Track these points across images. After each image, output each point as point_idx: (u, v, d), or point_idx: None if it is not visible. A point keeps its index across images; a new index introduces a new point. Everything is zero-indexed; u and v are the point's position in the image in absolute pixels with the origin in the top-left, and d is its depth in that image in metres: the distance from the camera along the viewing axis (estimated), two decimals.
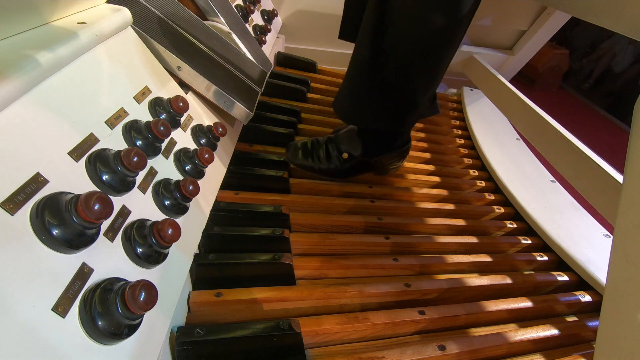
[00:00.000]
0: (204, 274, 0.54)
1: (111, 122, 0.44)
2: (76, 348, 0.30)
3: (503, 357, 0.59)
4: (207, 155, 0.55)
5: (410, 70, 0.65)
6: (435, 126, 1.26)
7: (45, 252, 0.31)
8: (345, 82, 0.73)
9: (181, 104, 0.55)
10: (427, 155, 1.08)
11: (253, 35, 1.02)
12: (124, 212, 0.41)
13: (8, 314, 0.27)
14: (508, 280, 0.72)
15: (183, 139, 0.58)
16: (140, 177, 0.45)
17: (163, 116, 0.54)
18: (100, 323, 0.32)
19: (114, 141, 0.43)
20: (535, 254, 0.83)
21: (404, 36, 0.61)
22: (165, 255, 0.43)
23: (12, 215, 0.30)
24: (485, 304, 0.65)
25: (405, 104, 0.70)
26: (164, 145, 0.51)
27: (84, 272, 0.33)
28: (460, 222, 0.85)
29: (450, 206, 0.89)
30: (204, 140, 0.62)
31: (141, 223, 0.41)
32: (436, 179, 0.99)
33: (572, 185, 0.83)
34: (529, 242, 0.86)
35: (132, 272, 0.39)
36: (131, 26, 0.56)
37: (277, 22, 1.32)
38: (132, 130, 0.46)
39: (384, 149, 0.81)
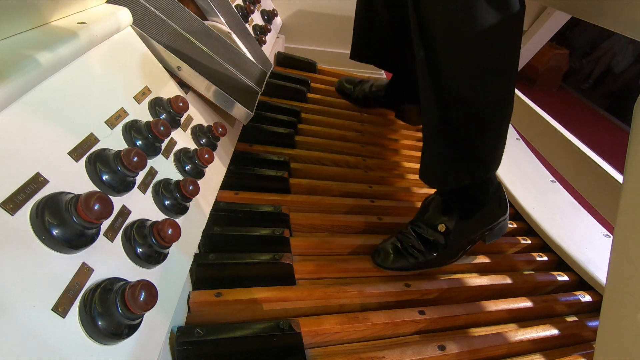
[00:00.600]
0: (204, 274, 0.54)
1: (111, 122, 0.44)
2: (76, 348, 0.30)
3: (503, 357, 0.59)
4: (207, 155, 0.55)
5: (476, 107, 0.58)
6: None
7: (45, 252, 0.31)
8: (426, 147, 0.66)
9: (181, 104, 0.55)
10: None
11: (253, 35, 1.02)
12: (124, 212, 0.41)
13: (8, 314, 0.27)
14: (508, 280, 0.72)
15: (183, 139, 0.58)
16: (140, 177, 0.45)
17: (163, 116, 0.54)
18: (100, 323, 0.32)
19: (114, 141, 0.43)
20: (535, 254, 0.83)
21: (459, 75, 0.56)
22: (165, 255, 0.43)
23: (12, 215, 0.30)
24: (485, 304, 0.65)
25: (485, 144, 0.62)
26: (164, 145, 0.51)
27: (84, 272, 0.33)
28: None
29: None
30: (204, 140, 0.62)
31: (141, 223, 0.41)
32: None
33: (572, 185, 0.83)
34: (529, 242, 0.86)
35: (132, 272, 0.39)
36: (131, 26, 0.56)
37: (277, 22, 1.32)
38: (132, 130, 0.46)
39: (479, 203, 0.67)
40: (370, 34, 0.93)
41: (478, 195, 0.67)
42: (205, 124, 0.64)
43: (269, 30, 1.14)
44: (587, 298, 0.73)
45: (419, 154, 1.07)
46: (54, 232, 0.31)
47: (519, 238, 0.87)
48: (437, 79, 0.56)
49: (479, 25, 0.51)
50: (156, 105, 0.53)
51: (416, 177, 0.97)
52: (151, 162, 0.48)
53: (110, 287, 0.34)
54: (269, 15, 1.23)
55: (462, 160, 0.62)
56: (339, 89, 1.16)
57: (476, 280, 0.69)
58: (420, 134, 1.17)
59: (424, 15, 0.53)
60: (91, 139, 0.40)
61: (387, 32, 0.89)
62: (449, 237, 0.66)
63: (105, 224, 0.38)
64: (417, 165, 1.00)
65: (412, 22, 0.55)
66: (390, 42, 0.91)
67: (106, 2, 0.54)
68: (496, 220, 0.69)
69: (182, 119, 0.58)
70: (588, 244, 0.85)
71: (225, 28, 0.84)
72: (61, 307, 0.30)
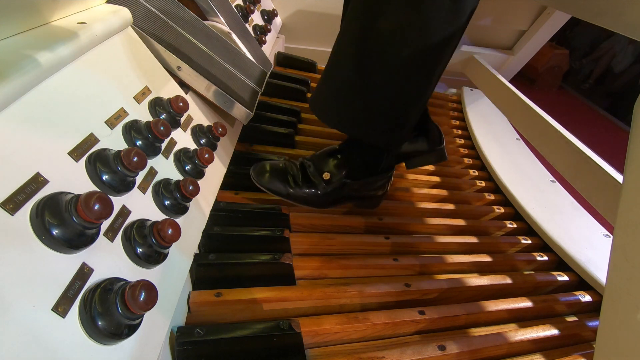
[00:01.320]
0: (204, 274, 0.54)
1: (111, 122, 0.44)
2: (76, 348, 0.30)
3: (503, 357, 0.59)
4: (207, 155, 0.55)
5: (400, 79, 0.59)
6: None
7: (45, 252, 0.31)
8: (327, 78, 0.64)
9: (181, 104, 0.55)
10: None
11: (253, 35, 1.02)
12: (124, 212, 0.41)
13: (8, 314, 0.27)
14: (508, 280, 0.72)
15: (183, 139, 0.58)
16: (140, 177, 0.45)
17: (163, 116, 0.54)
18: (100, 323, 0.32)
19: (114, 141, 0.43)
20: (535, 254, 0.83)
21: (391, 43, 0.55)
22: (165, 255, 0.43)
23: (12, 215, 0.30)
24: (485, 304, 0.65)
25: (393, 117, 0.63)
26: (164, 145, 0.51)
27: (84, 272, 0.33)
28: (460, 222, 0.85)
29: (450, 206, 0.89)
30: (204, 140, 0.62)
31: (141, 223, 0.41)
32: (436, 178, 0.99)
33: (572, 185, 0.83)
34: (529, 242, 0.86)
35: (132, 272, 0.39)
36: (131, 26, 0.56)
37: (277, 22, 1.32)
38: (132, 130, 0.46)
39: (368, 171, 0.71)
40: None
41: (370, 164, 0.71)
42: (205, 124, 0.64)
43: (269, 30, 1.14)
44: (587, 298, 0.73)
45: None
46: (54, 232, 0.31)
47: (519, 238, 0.87)
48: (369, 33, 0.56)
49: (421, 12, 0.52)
50: (156, 105, 0.53)
51: (416, 176, 0.97)
52: (151, 162, 0.48)
53: (110, 287, 0.34)
54: (269, 15, 1.23)
55: (368, 116, 0.62)
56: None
57: (476, 280, 0.69)
58: None
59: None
60: (91, 139, 0.40)
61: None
62: (327, 186, 0.70)
63: (105, 224, 0.38)
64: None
65: None
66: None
67: (106, 2, 0.54)
68: (374, 193, 0.75)
69: (182, 119, 0.58)
70: (588, 244, 0.85)
71: (225, 28, 0.84)
72: (61, 307, 0.30)
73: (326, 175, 0.69)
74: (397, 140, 0.68)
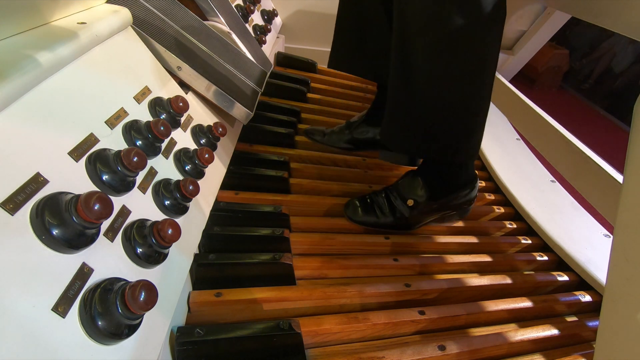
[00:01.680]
0: (204, 274, 0.54)
1: (111, 122, 0.44)
2: (76, 348, 0.30)
3: (503, 357, 0.59)
4: (207, 155, 0.55)
5: (447, 97, 0.62)
6: None
7: (45, 252, 0.31)
8: (389, 109, 0.69)
9: (181, 104, 0.55)
10: None
11: (253, 35, 1.02)
12: (124, 212, 0.41)
13: (8, 314, 0.27)
14: (508, 280, 0.72)
15: (183, 139, 0.58)
16: (140, 177, 0.45)
17: (163, 116, 0.54)
18: (100, 323, 0.32)
19: (114, 141, 0.43)
20: (535, 254, 0.83)
21: (430, 62, 0.60)
22: (165, 255, 0.43)
23: (12, 215, 0.30)
24: (485, 304, 0.65)
25: (454, 130, 0.66)
26: (164, 145, 0.51)
27: (84, 272, 0.33)
28: (460, 222, 0.85)
29: None
30: (204, 140, 0.62)
31: (141, 223, 0.41)
32: None
33: (572, 185, 0.83)
34: (529, 242, 0.86)
35: (132, 272, 0.39)
36: (131, 26, 0.56)
37: (277, 22, 1.32)
38: (132, 130, 0.46)
39: (450, 188, 0.73)
40: (350, 45, 0.88)
41: (450, 181, 0.74)
42: (205, 124, 0.64)
43: (269, 30, 1.14)
44: (587, 298, 0.73)
45: None
46: (54, 232, 0.31)
47: (519, 238, 0.87)
48: (410, 66, 0.61)
49: (448, 25, 0.56)
50: (156, 105, 0.53)
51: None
52: (151, 162, 0.48)
53: (110, 287, 0.34)
54: (269, 15, 1.23)
55: (424, 134, 0.67)
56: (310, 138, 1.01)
57: (476, 280, 0.69)
58: None
59: (404, 7, 0.57)
60: (91, 139, 0.40)
61: (373, 34, 0.86)
62: (413, 211, 0.73)
63: (105, 224, 0.38)
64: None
65: (395, 11, 0.59)
66: (375, 46, 0.85)
67: (106, 2, 0.54)
68: (461, 207, 0.77)
69: (182, 119, 0.58)
70: (588, 244, 0.85)
71: (225, 28, 0.84)
72: (61, 307, 0.30)
73: (410, 202, 0.73)
74: (468, 151, 0.69)
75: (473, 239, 0.81)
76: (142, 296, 0.33)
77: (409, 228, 0.77)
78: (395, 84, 0.66)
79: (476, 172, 0.78)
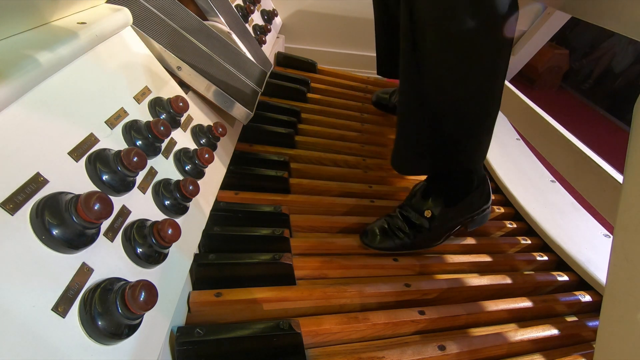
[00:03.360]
0: (204, 274, 0.54)
1: (111, 122, 0.44)
2: (76, 348, 0.30)
3: (503, 357, 0.59)
4: (207, 155, 0.55)
5: (457, 100, 0.62)
6: None
7: (45, 252, 0.31)
8: (398, 134, 0.70)
9: (181, 104, 0.55)
10: None
11: (253, 35, 1.02)
12: (124, 212, 0.41)
13: (8, 314, 0.27)
14: (508, 280, 0.72)
15: (183, 139, 0.58)
16: (140, 177, 0.45)
17: (163, 116, 0.54)
18: (100, 323, 0.32)
19: (114, 141, 0.43)
20: (535, 254, 0.83)
21: (441, 66, 0.59)
22: (165, 255, 0.43)
23: (12, 215, 0.30)
24: (485, 304, 0.65)
25: (465, 136, 0.66)
26: (164, 145, 0.51)
27: (84, 272, 0.33)
28: None
29: None
30: (204, 140, 0.62)
31: (141, 223, 0.41)
32: None
33: (572, 185, 0.83)
34: (529, 242, 0.86)
35: (132, 272, 0.39)
36: (131, 26, 0.56)
37: (277, 22, 1.32)
38: (132, 130, 0.46)
39: (464, 192, 0.73)
40: (388, 52, 0.92)
41: (462, 185, 0.73)
42: (205, 124, 0.64)
43: (269, 30, 1.14)
44: (587, 298, 0.73)
45: None
46: (54, 232, 0.31)
47: (519, 238, 0.87)
48: (419, 68, 0.60)
49: (458, 24, 0.55)
50: (156, 105, 0.53)
51: (416, 177, 0.97)
52: (151, 162, 0.48)
53: (110, 287, 0.34)
54: (269, 15, 1.23)
55: (435, 148, 0.67)
56: (376, 101, 1.17)
57: (476, 280, 0.69)
58: None
59: (412, 6, 0.56)
60: (91, 139, 0.40)
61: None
62: (433, 222, 0.71)
63: (105, 224, 0.38)
64: None
65: (402, 11, 0.58)
66: None
67: (106, 2, 0.54)
68: (479, 209, 0.75)
69: (182, 119, 0.58)
70: (588, 244, 0.85)
71: (225, 28, 0.84)
72: (61, 307, 0.30)
73: (427, 213, 0.71)
74: (478, 154, 0.70)
75: (473, 239, 0.81)
76: (142, 296, 0.33)
77: (432, 242, 0.74)
78: (405, 89, 0.65)
79: (486, 176, 0.77)
